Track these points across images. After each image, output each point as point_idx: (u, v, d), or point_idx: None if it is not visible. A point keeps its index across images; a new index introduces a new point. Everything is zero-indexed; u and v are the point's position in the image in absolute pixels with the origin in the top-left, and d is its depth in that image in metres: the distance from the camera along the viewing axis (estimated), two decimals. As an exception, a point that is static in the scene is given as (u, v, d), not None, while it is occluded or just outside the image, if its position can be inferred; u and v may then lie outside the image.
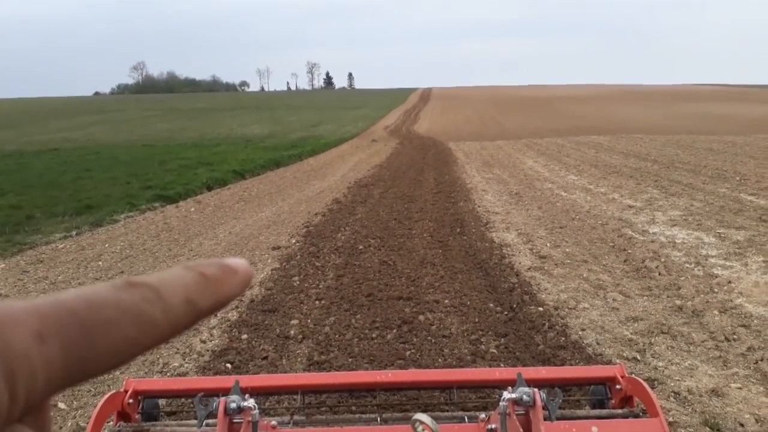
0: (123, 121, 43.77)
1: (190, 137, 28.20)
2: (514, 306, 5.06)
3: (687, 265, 6.15)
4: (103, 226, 8.99)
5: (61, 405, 3.58)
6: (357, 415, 2.94)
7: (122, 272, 6.44)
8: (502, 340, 4.37)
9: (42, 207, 10.21)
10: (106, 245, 7.74)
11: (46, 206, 10.28)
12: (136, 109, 59.88)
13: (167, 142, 25.45)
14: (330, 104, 67.58)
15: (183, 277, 0.37)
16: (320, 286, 5.75)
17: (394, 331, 4.55)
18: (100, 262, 6.86)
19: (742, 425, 3.15)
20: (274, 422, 2.28)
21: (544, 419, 1.92)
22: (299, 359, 4.13)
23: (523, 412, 1.96)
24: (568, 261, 6.44)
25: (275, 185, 13.43)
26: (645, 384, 2.54)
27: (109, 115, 50.81)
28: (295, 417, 2.78)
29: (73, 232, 8.48)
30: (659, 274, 5.86)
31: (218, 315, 5.02)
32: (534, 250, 6.89)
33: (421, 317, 4.81)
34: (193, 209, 10.47)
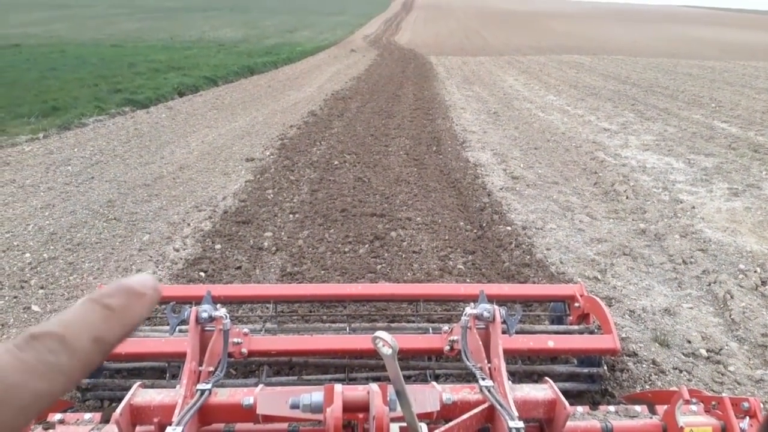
0: (89, 18, 41.37)
1: (160, 39, 26.91)
2: (484, 225, 5.17)
3: (654, 190, 6.30)
4: (71, 130, 8.73)
5: (35, 308, 3.63)
6: (327, 325, 3.06)
7: (92, 178, 6.34)
8: (470, 257, 4.50)
9: (5, 107, 9.81)
10: (75, 150, 7.55)
11: (9, 106, 9.87)
12: (103, 6, 56.52)
13: (136, 43, 24.29)
14: (307, 8, 64.61)
15: (88, 315, 0.38)
16: (294, 200, 5.77)
17: (367, 246, 4.64)
18: (70, 167, 6.73)
19: (689, 342, 3.36)
20: (246, 330, 2.36)
21: (503, 333, 2.02)
22: (273, 270, 4.21)
23: (483, 326, 2.06)
24: (540, 182, 6.53)
25: (249, 94, 13.07)
26: (602, 303, 2.68)
27: (74, 11, 47.91)
28: (267, 325, 2.88)
29: (41, 135, 8.23)
30: (627, 197, 6.01)
31: (191, 224, 5.04)
32: (507, 171, 6.95)
33: (393, 233, 4.89)
34: (164, 115, 10.19)
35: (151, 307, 0.41)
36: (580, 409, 1.97)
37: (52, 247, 4.53)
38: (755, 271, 4.28)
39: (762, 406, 1.96)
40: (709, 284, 4.11)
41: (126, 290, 0.40)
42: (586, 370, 2.74)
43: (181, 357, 2.03)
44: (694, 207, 5.75)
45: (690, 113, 11.08)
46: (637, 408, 2.01)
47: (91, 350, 0.36)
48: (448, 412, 1.76)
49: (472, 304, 2.12)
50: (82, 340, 0.36)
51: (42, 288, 3.89)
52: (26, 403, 0.33)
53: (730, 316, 3.67)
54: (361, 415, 1.63)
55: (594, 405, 2.32)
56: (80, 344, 0.36)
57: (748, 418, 1.85)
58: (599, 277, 4.21)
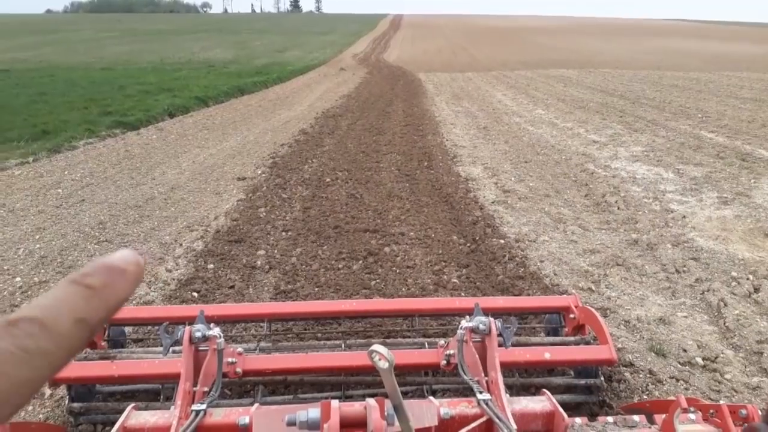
0: (78, 42, 41.49)
1: (150, 61, 27.01)
2: (477, 238, 5.18)
3: (645, 200, 6.34)
4: (62, 153, 8.71)
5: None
6: (322, 342, 3.03)
7: (83, 200, 6.30)
8: (464, 270, 4.49)
9: (-6, 132, 9.78)
10: (66, 173, 7.52)
11: (-1, 131, 9.85)
12: (92, 30, 56.77)
13: (126, 66, 24.36)
14: (297, 29, 65.16)
15: (68, 296, 0.36)
16: (287, 218, 5.76)
17: (360, 262, 4.63)
18: (60, 190, 6.69)
19: (685, 350, 3.36)
20: (240, 349, 2.34)
21: (499, 346, 2.02)
22: (266, 288, 4.19)
23: (479, 339, 2.05)
24: (531, 195, 6.56)
25: (240, 114, 13.10)
26: (597, 313, 2.68)
27: (63, 35, 48.10)
28: (262, 344, 2.86)
29: (30, 159, 8.19)
30: (618, 208, 6.04)
31: (183, 244, 5.01)
32: (499, 184, 6.99)
33: (387, 249, 4.89)
34: (155, 137, 10.19)
35: (135, 284, 0.39)
36: (578, 420, 1.95)
37: (42, 271, 4.49)
38: (747, 279, 4.30)
39: (759, 413, 1.95)
40: (703, 293, 4.12)
41: (106, 268, 0.38)
42: (583, 382, 2.73)
43: (175, 378, 2.00)
44: (684, 216, 5.78)
45: (677, 124, 11.20)
46: (636, 418, 2.00)
47: (73, 332, 0.35)
48: (446, 426, 1.74)
49: (467, 317, 2.11)
50: (63, 322, 0.34)
51: (33, 312, 3.84)
52: (6, 391, 0.31)
53: (724, 323, 3.68)
54: (359, 431, 1.61)
55: (592, 416, 2.30)
56: (61, 327, 0.34)
57: (746, 425, 1.84)
58: (593, 287, 4.22)
